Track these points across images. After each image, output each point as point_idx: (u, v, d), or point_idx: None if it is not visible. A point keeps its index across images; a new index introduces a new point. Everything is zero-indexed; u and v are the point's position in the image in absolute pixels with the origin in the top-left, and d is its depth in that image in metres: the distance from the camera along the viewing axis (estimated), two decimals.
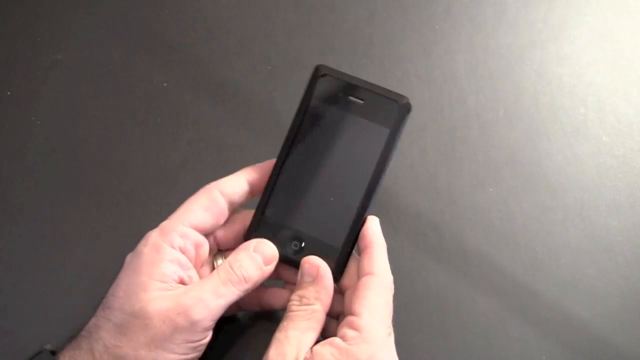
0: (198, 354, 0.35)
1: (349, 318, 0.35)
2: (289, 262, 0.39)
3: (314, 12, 0.57)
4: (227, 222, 0.39)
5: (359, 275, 0.36)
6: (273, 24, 0.56)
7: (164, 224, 0.37)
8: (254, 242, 0.38)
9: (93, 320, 0.35)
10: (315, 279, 0.37)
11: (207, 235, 0.38)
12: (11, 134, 0.50)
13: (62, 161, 0.49)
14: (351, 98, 0.38)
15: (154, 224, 0.37)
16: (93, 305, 0.35)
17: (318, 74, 0.38)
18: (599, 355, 0.43)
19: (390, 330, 0.35)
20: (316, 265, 0.37)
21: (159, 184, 0.48)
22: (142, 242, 0.36)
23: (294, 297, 0.37)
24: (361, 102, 0.38)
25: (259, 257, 0.37)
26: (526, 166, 0.50)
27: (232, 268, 0.36)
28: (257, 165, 0.39)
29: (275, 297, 0.40)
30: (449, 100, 0.53)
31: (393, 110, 0.38)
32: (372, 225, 0.38)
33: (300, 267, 0.37)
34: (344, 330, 0.34)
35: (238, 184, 0.38)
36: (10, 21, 0.56)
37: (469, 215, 0.48)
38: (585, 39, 0.56)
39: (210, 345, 0.36)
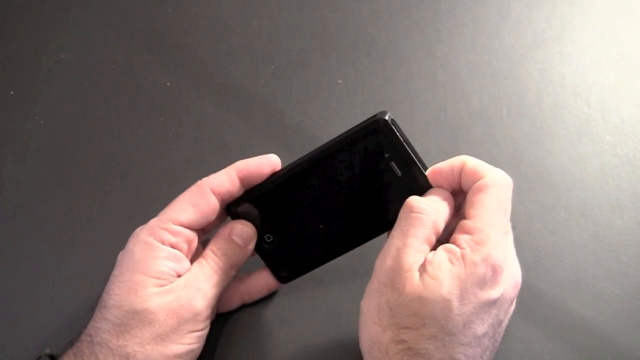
0: (202, 343, 0.36)
1: (462, 222, 0.34)
2: (256, 249, 0.40)
3: (317, 12, 0.57)
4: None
5: (469, 185, 0.35)
6: (276, 24, 0.56)
7: (154, 222, 0.37)
8: (229, 226, 0.39)
9: (91, 322, 0.35)
10: (444, 191, 0.36)
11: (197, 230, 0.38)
12: (14, 133, 0.50)
13: (65, 161, 0.49)
14: (392, 164, 0.36)
15: None
16: (94, 306, 0.36)
17: (377, 125, 0.36)
18: (603, 354, 0.43)
19: (507, 228, 0.34)
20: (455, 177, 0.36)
21: (161, 184, 0.48)
22: (132, 240, 0.36)
23: (417, 199, 0.35)
24: (399, 173, 0.37)
25: (238, 239, 0.38)
26: (529, 165, 0.50)
27: (217, 256, 0.37)
28: (249, 159, 0.39)
29: None
30: (452, 100, 0.53)
31: (421, 193, 0.37)
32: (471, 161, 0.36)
33: (428, 178, 0.37)
34: (457, 235, 0.34)
35: (229, 179, 0.38)
36: (13, 20, 0.56)
37: None
38: (588, 39, 0.56)
39: (214, 341, 0.36)
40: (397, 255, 0.33)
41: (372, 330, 0.33)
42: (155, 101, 0.52)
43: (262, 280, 0.41)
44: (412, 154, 0.37)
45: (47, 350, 0.35)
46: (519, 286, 0.35)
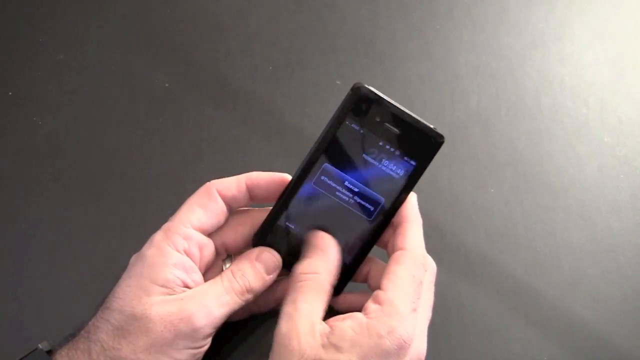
0: None
1: (375, 292, 0.34)
2: None
3: (315, 13, 0.57)
4: (233, 224, 0.39)
5: (392, 251, 0.36)
6: (275, 25, 0.56)
7: (167, 225, 0.36)
8: (256, 251, 0.38)
9: (92, 320, 0.35)
10: (323, 250, 0.37)
11: (210, 235, 0.38)
12: (13, 134, 0.50)
13: (63, 161, 0.49)
14: (387, 125, 0.37)
15: (156, 225, 0.37)
16: (94, 305, 0.36)
17: (357, 95, 0.36)
18: (600, 355, 0.43)
19: (416, 306, 0.34)
20: (322, 237, 0.37)
21: (160, 185, 0.48)
22: (147, 244, 0.36)
23: (299, 267, 0.36)
24: (396, 131, 0.37)
25: (261, 266, 0.37)
26: (528, 166, 0.50)
27: (235, 277, 0.36)
28: (260, 172, 0.38)
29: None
30: (450, 101, 0.53)
31: (426, 145, 0.37)
32: (409, 201, 0.38)
33: (306, 240, 0.37)
34: (368, 303, 0.34)
35: (237, 185, 0.38)
36: (12, 21, 0.56)
37: (471, 215, 0.48)
38: (586, 39, 0.56)
39: (213, 349, 0.36)
40: (292, 320, 0.33)
41: None
42: (154, 102, 0.52)
43: (272, 296, 0.40)
44: (400, 107, 0.37)
45: (44, 344, 0.35)
46: None
